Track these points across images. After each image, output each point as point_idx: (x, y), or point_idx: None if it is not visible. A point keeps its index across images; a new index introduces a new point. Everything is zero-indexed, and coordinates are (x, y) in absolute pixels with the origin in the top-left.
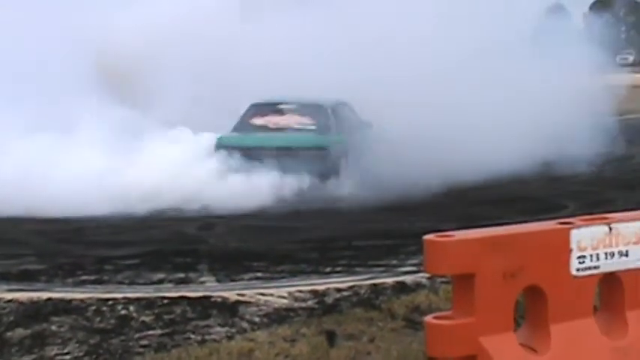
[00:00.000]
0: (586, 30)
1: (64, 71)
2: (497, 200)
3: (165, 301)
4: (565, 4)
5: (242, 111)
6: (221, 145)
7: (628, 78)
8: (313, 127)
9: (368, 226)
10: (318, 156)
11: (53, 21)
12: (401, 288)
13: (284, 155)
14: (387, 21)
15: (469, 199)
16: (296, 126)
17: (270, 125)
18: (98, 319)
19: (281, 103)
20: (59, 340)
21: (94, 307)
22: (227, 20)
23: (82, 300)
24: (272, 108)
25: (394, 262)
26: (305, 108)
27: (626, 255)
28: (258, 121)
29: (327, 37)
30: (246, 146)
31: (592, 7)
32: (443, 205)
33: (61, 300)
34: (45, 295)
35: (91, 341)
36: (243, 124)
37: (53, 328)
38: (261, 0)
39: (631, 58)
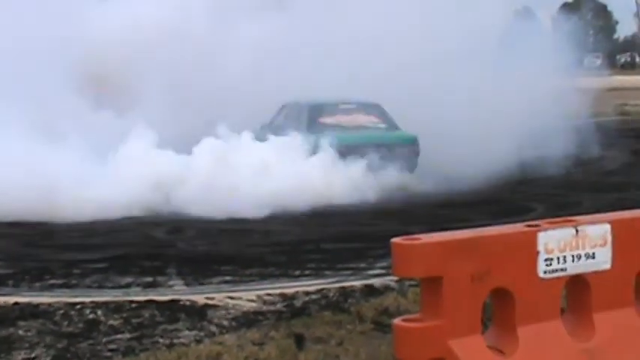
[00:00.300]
0: (554, 33)
1: (46, 75)
2: (466, 202)
3: (134, 305)
4: (533, 8)
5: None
6: (341, 145)
7: (596, 81)
8: (384, 125)
9: (337, 229)
10: (411, 151)
11: (35, 26)
12: (369, 291)
13: (383, 151)
14: (363, 22)
15: (438, 201)
16: (369, 124)
17: (346, 124)
18: (66, 323)
19: (342, 103)
20: (26, 345)
21: (61, 312)
22: (207, 23)
23: (49, 304)
24: (334, 108)
25: (363, 265)
26: (364, 107)
27: (593, 257)
28: (328, 120)
29: (309, 38)
30: (355, 144)
31: (560, 10)
32: (412, 208)
33: (29, 304)
34: (12, 299)
35: (59, 345)
36: (314, 125)
37: (20, 332)
38: (241, 2)
39: (599, 62)
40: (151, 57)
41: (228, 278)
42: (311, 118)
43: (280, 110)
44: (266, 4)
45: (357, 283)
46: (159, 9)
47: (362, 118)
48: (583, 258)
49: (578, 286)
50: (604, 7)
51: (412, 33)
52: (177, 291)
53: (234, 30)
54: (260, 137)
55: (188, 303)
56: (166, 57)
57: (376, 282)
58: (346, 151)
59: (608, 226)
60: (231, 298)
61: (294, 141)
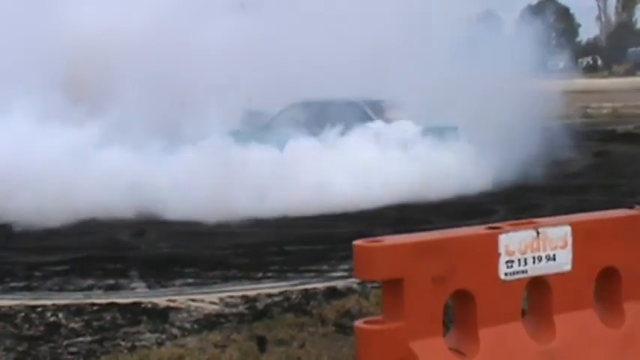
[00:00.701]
0: (517, 36)
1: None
2: (429, 204)
3: (95, 308)
4: (496, 11)
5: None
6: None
7: (558, 84)
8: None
9: (299, 231)
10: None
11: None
12: (332, 293)
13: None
14: (329, 24)
15: (402, 204)
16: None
17: (402, 118)
18: (27, 326)
19: (379, 101)
20: None
21: (22, 314)
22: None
23: (10, 307)
24: (380, 104)
25: (325, 267)
26: (393, 104)
27: (554, 259)
28: (389, 115)
29: (280, 39)
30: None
31: (523, 13)
32: (374, 209)
33: None
34: None
35: (19, 348)
36: (384, 119)
37: None
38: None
39: (561, 64)
40: (128, 58)
41: (190, 281)
42: (376, 113)
43: (288, 109)
44: (242, 5)
45: (320, 286)
46: (134, 10)
47: (403, 113)
48: (544, 260)
49: (538, 288)
50: (566, 10)
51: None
52: (140, 293)
53: (207, 31)
54: (262, 137)
55: (150, 305)
56: (142, 58)
57: (339, 284)
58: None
59: (568, 228)
60: (194, 300)
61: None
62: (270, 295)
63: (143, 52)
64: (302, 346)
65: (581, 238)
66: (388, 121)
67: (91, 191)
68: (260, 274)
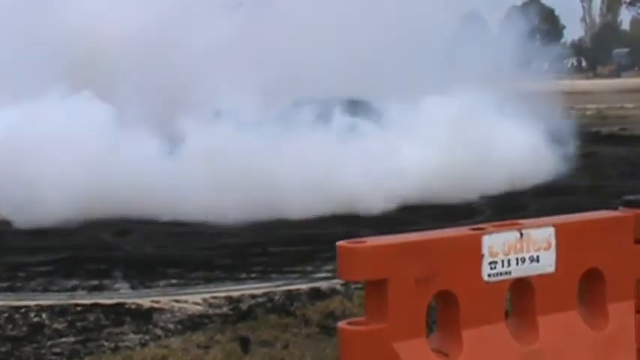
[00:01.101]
0: (501, 37)
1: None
2: (414, 206)
3: (79, 309)
4: (480, 12)
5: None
6: None
7: (543, 85)
8: None
9: (283, 232)
10: None
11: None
12: (315, 294)
13: None
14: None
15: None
16: None
17: None
18: (10, 326)
19: None
20: None
21: (6, 315)
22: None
23: None
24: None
25: (309, 268)
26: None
27: (537, 260)
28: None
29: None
30: None
31: (507, 14)
32: (360, 211)
33: None
34: None
35: (3, 349)
36: None
37: None
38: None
39: (546, 66)
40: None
41: (174, 281)
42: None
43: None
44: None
45: (304, 287)
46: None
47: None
48: (527, 261)
49: (522, 290)
50: (551, 12)
51: (355, 36)
52: (123, 294)
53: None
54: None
55: (134, 306)
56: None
57: (322, 285)
58: None
59: (552, 230)
60: (177, 301)
61: None
62: (253, 296)
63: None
64: (285, 347)
65: (565, 240)
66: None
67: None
68: (244, 275)
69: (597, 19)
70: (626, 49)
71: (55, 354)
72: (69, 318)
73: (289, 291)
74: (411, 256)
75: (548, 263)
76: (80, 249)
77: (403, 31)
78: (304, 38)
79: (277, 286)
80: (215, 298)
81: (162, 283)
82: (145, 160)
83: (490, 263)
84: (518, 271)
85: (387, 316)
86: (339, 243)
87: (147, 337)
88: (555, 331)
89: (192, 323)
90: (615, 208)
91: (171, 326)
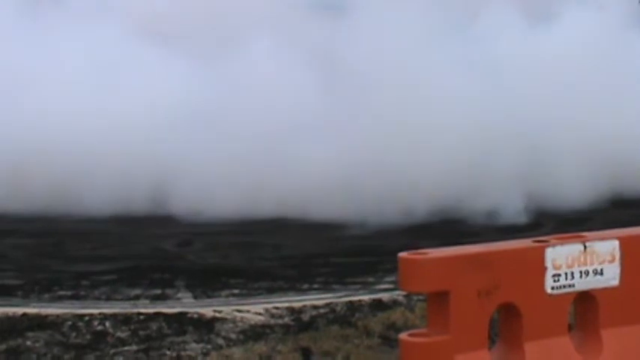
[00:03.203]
0: None
1: None
2: (476, 217)
3: (142, 317)
4: None
5: None
6: None
7: None
8: None
9: (346, 242)
10: None
11: None
12: (377, 305)
13: None
14: None
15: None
16: None
17: None
18: (74, 334)
19: None
20: (34, 356)
21: (69, 323)
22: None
23: (57, 315)
24: None
25: (371, 279)
26: None
27: (601, 273)
28: None
29: None
30: None
31: None
32: (421, 222)
33: (37, 315)
34: (21, 310)
35: (66, 356)
36: None
37: (28, 343)
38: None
39: None
40: None
41: (236, 291)
42: None
43: None
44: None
45: (365, 298)
46: None
47: None
48: (591, 274)
49: (586, 303)
50: None
51: None
52: (186, 303)
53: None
54: None
55: (196, 316)
56: None
57: (384, 296)
58: None
59: (616, 242)
60: (239, 311)
61: None
62: (315, 307)
63: None
64: (347, 357)
65: (630, 253)
66: None
67: None
68: (306, 286)
69: None
70: None
71: None
72: (132, 327)
73: (351, 302)
74: (474, 268)
75: (612, 276)
76: (143, 258)
77: None
78: None
79: (339, 297)
80: (277, 308)
81: (224, 292)
82: None
83: (553, 276)
84: (581, 284)
85: (448, 328)
86: (401, 254)
87: (209, 347)
88: (619, 344)
89: (254, 333)
90: None
91: (233, 336)
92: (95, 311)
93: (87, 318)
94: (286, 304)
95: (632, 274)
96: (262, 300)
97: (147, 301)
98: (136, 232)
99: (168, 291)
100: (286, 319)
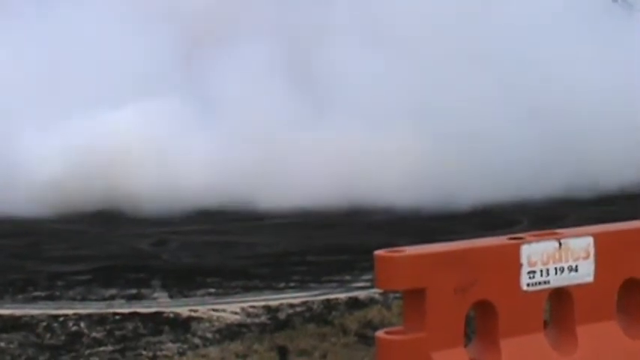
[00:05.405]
0: None
1: None
2: (453, 215)
3: (117, 317)
4: None
5: None
6: None
7: None
8: None
9: (322, 241)
10: None
11: None
12: (354, 303)
13: None
14: None
15: (428, 213)
16: None
17: None
18: (48, 335)
19: None
20: (8, 357)
21: (44, 324)
22: None
23: (32, 316)
24: None
25: (347, 277)
26: None
27: (576, 270)
28: None
29: None
30: None
31: None
32: (400, 219)
33: (11, 316)
34: None
35: (41, 358)
36: None
37: (2, 344)
38: None
39: None
40: None
41: (212, 290)
42: None
43: None
44: None
45: (342, 296)
46: None
47: None
48: (566, 271)
49: (561, 299)
50: None
51: None
52: (162, 303)
53: None
54: None
55: (172, 315)
56: None
57: (361, 294)
58: None
59: (591, 239)
60: (215, 310)
61: None
62: (292, 305)
63: None
64: (324, 356)
65: (604, 249)
66: None
67: None
68: (282, 284)
69: None
70: None
71: None
72: (107, 327)
73: (327, 300)
74: (450, 266)
75: (587, 273)
76: (119, 258)
77: None
78: None
79: (315, 296)
80: (253, 307)
81: (200, 292)
82: None
83: (529, 273)
84: (556, 281)
85: (425, 325)
86: (377, 252)
87: (185, 347)
88: (594, 340)
89: (230, 332)
90: None
91: (209, 335)
92: (70, 312)
93: (62, 318)
94: (262, 303)
95: (606, 270)
96: (238, 299)
97: (122, 301)
98: (112, 231)
99: (144, 291)
100: (262, 318)
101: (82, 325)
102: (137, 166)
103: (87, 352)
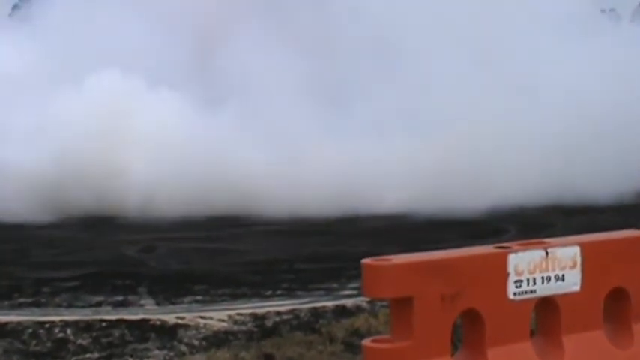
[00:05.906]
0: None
1: None
2: (440, 224)
3: (104, 324)
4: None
5: None
6: None
7: None
8: None
9: (310, 248)
10: None
11: None
12: (341, 311)
13: None
14: None
15: (415, 222)
16: None
17: None
18: (34, 342)
19: None
20: None
21: (30, 330)
22: None
23: (18, 323)
24: None
25: (335, 285)
26: None
27: (562, 279)
28: None
29: None
30: None
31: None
32: (385, 228)
33: None
34: None
35: None
36: None
37: None
38: None
39: None
40: None
41: (199, 297)
42: None
43: None
44: None
45: (329, 304)
46: None
47: None
48: (552, 280)
49: (547, 308)
50: None
51: None
52: (148, 310)
53: None
54: None
55: (158, 322)
56: None
57: (348, 302)
58: None
59: (577, 248)
60: (202, 317)
61: None
62: (279, 313)
63: None
64: None
65: (591, 259)
66: None
67: None
68: (269, 292)
69: None
70: None
71: None
72: (94, 334)
73: (314, 308)
74: (437, 274)
75: (573, 282)
76: (106, 264)
77: None
78: None
79: (302, 303)
80: (240, 314)
81: (187, 299)
82: None
83: (515, 282)
84: (543, 290)
85: (412, 333)
86: (364, 260)
87: (171, 354)
88: (580, 349)
89: (217, 340)
90: None
91: (195, 342)
92: (56, 318)
93: (48, 325)
94: (250, 311)
95: (593, 280)
96: (226, 306)
97: (109, 308)
98: (99, 237)
99: (131, 297)
100: (249, 325)
101: (69, 331)
102: (126, 172)
103: (73, 358)
